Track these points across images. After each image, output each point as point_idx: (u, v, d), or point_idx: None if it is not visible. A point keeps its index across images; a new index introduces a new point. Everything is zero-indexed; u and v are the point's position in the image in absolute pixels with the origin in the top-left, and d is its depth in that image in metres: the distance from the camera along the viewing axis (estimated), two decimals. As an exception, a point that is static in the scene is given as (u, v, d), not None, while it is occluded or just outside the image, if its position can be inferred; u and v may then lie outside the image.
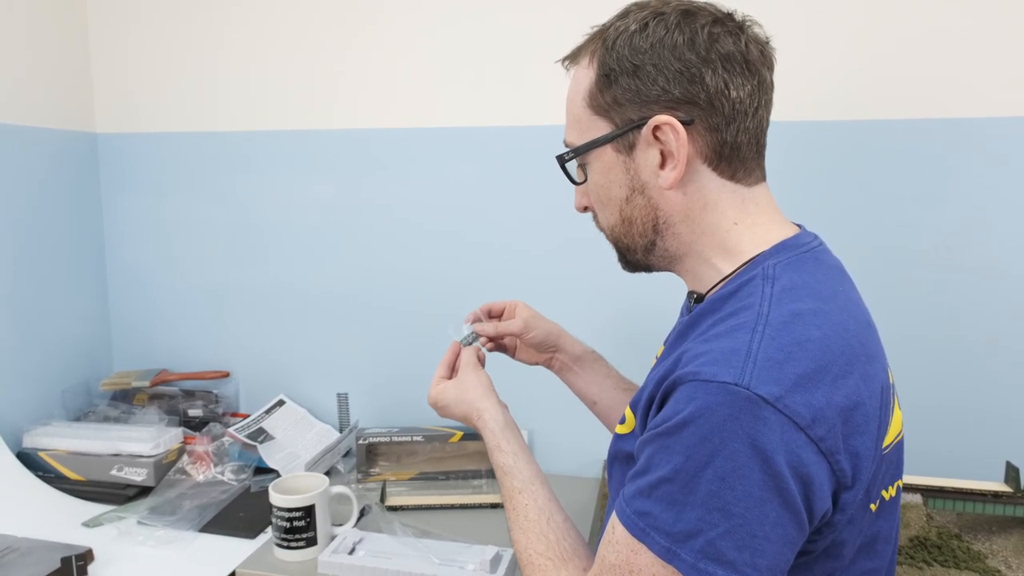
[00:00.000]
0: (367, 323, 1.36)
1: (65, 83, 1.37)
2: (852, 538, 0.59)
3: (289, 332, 1.39)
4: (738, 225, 0.65)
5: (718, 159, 0.64)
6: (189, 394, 1.38)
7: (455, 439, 1.25)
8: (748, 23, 0.65)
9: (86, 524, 1.09)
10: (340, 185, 1.34)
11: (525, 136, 1.24)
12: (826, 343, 0.56)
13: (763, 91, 0.64)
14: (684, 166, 0.63)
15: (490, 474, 1.20)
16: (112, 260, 1.46)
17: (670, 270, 0.71)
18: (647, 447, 0.57)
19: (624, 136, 0.65)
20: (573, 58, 0.69)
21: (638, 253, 0.70)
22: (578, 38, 0.70)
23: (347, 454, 1.32)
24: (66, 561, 0.94)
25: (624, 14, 0.66)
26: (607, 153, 0.66)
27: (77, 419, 1.33)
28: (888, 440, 0.60)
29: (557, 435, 1.29)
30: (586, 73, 0.67)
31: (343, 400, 1.36)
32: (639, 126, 0.64)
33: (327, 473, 1.23)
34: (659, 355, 0.77)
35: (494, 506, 1.14)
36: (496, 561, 0.96)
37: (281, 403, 1.38)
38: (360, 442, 1.25)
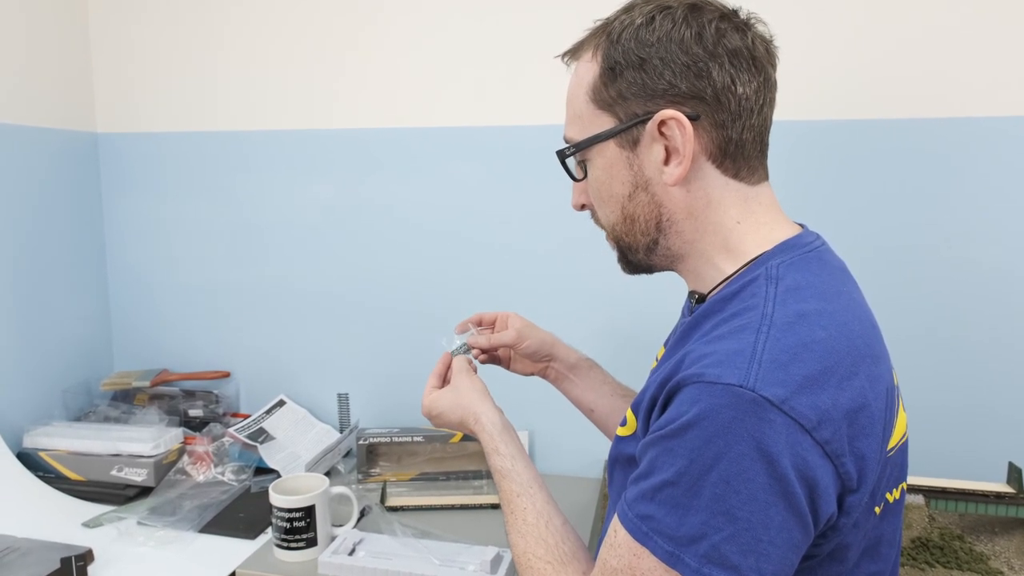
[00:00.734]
0: (368, 323, 1.36)
1: (66, 83, 1.36)
2: (856, 541, 0.59)
3: (290, 332, 1.39)
4: (741, 224, 0.65)
5: (722, 156, 0.63)
6: (189, 394, 1.38)
7: (456, 439, 1.25)
8: (753, 20, 0.64)
9: (86, 524, 1.08)
10: (341, 185, 1.34)
11: (525, 136, 1.23)
12: (831, 344, 0.55)
13: (768, 89, 0.64)
14: (690, 162, 0.62)
15: (490, 474, 1.20)
16: (113, 260, 1.46)
17: (671, 269, 0.70)
18: (650, 450, 0.56)
19: (628, 131, 0.64)
20: (574, 53, 0.68)
21: (640, 252, 0.69)
22: (579, 36, 0.69)
23: (347, 454, 1.31)
24: (66, 561, 0.94)
25: (629, 8, 0.65)
26: (610, 148, 0.65)
27: (77, 419, 1.33)
28: (893, 442, 0.60)
29: (557, 436, 1.29)
30: (589, 67, 0.65)
31: (344, 400, 1.36)
32: (644, 121, 0.62)
33: (327, 473, 1.23)
34: (659, 357, 0.76)
35: (494, 507, 1.14)
36: (497, 562, 0.95)
37: (282, 403, 1.38)
38: (360, 442, 1.25)
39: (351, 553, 0.98)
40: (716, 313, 0.62)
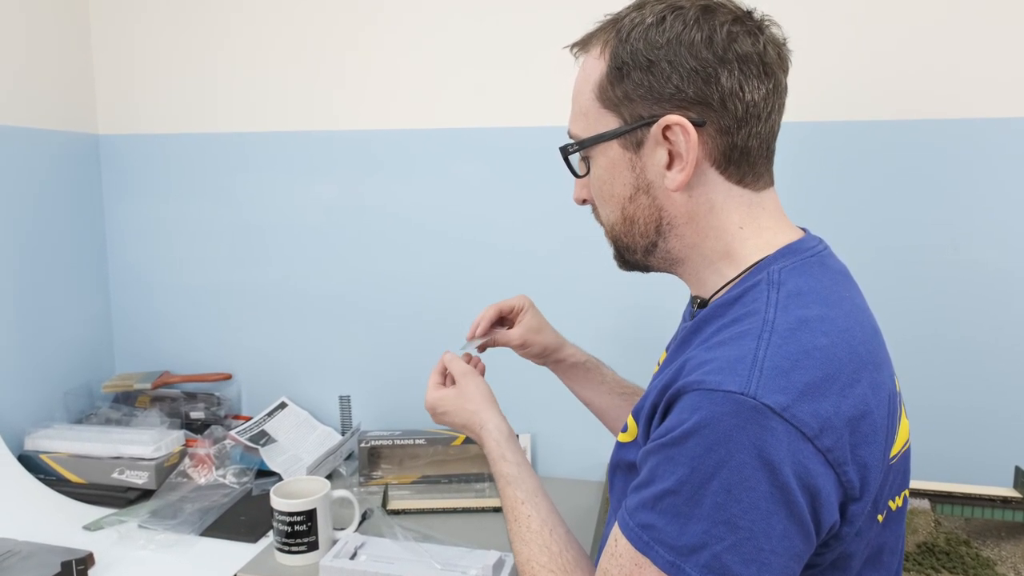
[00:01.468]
0: (369, 325, 1.35)
1: (67, 85, 1.36)
2: (859, 550, 0.58)
3: (291, 334, 1.39)
4: (743, 229, 0.64)
5: (727, 162, 0.62)
6: (191, 396, 1.38)
7: (457, 442, 1.25)
8: (767, 22, 0.63)
9: (87, 527, 1.08)
10: (342, 186, 1.33)
11: (528, 137, 1.23)
12: (833, 351, 0.55)
13: (777, 95, 0.63)
14: (692, 168, 0.61)
15: (492, 477, 1.19)
16: (114, 262, 1.45)
17: (670, 272, 0.70)
18: (650, 458, 0.56)
19: (632, 133, 0.62)
20: (583, 45, 0.67)
21: (638, 253, 0.68)
22: (586, 29, 0.68)
23: (349, 457, 1.31)
24: (66, 565, 0.94)
25: (640, 5, 0.63)
26: (613, 149, 0.64)
27: (79, 421, 1.33)
28: (895, 450, 0.59)
29: (560, 438, 1.28)
30: (597, 64, 0.64)
31: (345, 403, 1.35)
32: (649, 124, 0.61)
33: (329, 476, 1.23)
34: (661, 361, 0.76)
35: (496, 510, 1.14)
36: (499, 566, 0.95)
37: (283, 405, 1.37)
38: (362, 445, 1.24)
39: (352, 557, 0.97)
40: (717, 318, 0.61)
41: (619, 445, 0.68)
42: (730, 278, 0.64)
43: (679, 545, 0.52)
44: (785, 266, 0.61)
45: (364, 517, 1.10)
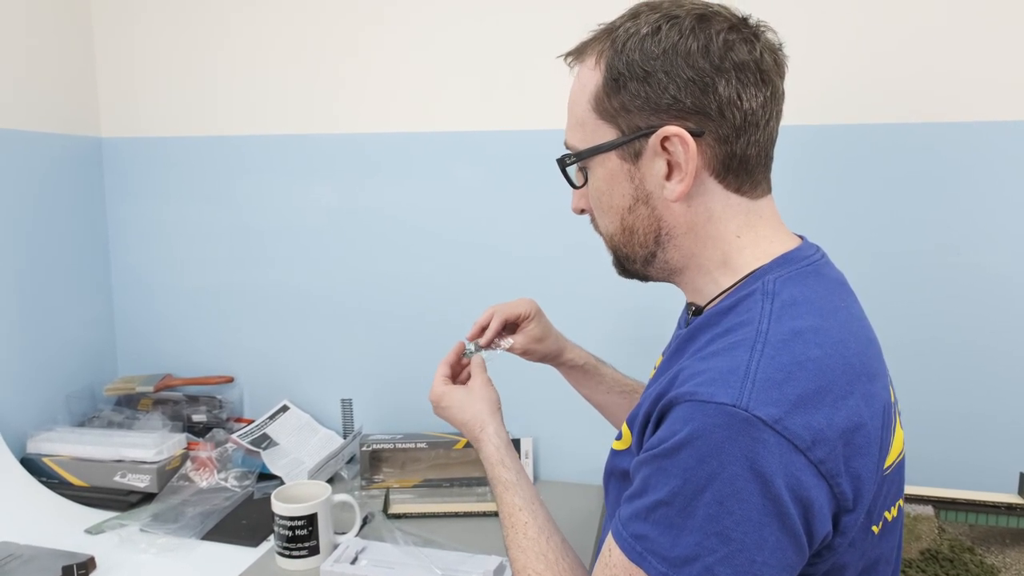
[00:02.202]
0: (371, 328, 1.35)
1: (70, 88, 1.37)
2: (853, 561, 0.58)
3: (293, 337, 1.39)
4: (740, 238, 0.64)
5: (725, 171, 0.62)
6: (193, 399, 1.38)
7: (459, 446, 1.24)
8: (762, 28, 0.62)
9: (88, 531, 1.08)
10: (344, 189, 1.33)
11: (528, 140, 1.22)
12: (826, 362, 0.54)
13: (775, 101, 0.62)
14: (692, 179, 0.61)
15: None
16: (117, 265, 1.46)
17: (668, 281, 0.69)
18: (643, 468, 0.56)
19: (630, 144, 0.62)
20: (578, 55, 0.66)
21: (637, 263, 0.68)
22: (580, 41, 0.67)
23: (351, 460, 1.31)
24: (67, 570, 0.94)
25: (635, 15, 0.62)
26: (611, 160, 0.64)
27: (81, 424, 1.33)
28: (890, 460, 0.59)
29: (561, 442, 1.28)
30: (592, 75, 0.63)
31: (347, 406, 1.35)
32: (647, 135, 0.61)
33: (331, 480, 1.23)
34: (657, 365, 0.76)
35: (497, 514, 1.13)
36: (499, 571, 0.95)
37: (285, 408, 1.37)
38: (364, 448, 1.24)
39: (353, 562, 0.97)
40: (711, 327, 0.61)
41: (613, 453, 0.68)
42: (725, 286, 0.64)
43: (672, 556, 0.52)
44: (780, 276, 0.61)
45: (365, 521, 1.10)
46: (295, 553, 0.98)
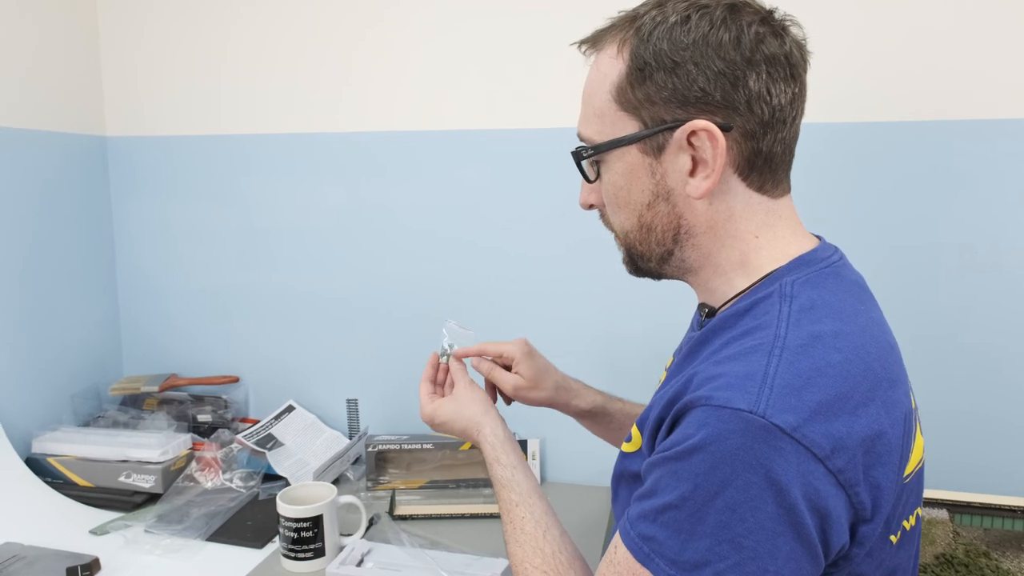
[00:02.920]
0: (377, 329, 1.34)
1: (76, 87, 1.36)
2: (870, 571, 0.57)
3: (299, 337, 1.38)
4: (759, 238, 0.62)
5: (749, 169, 0.60)
6: (198, 399, 1.37)
7: (465, 447, 1.23)
8: (788, 22, 0.60)
9: (93, 532, 1.08)
10: (350, 189, 1.32)
11: (535, 139, 1.21)
12: (846, 368, 0.53)
13: (802, 99, 0.61)
14: (719, 176, 0.58)
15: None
16: (122, 264, 1.45)
17: (682, 279, 0.68)
18: (655, 469, 0.55)
19: (653, 137, 0.59)
20: (595, 42, 0.64)
21: (652, 261, 0.66)
22: (597, 26, 0.65)
23: (356, 461, 1.30)
24: (72, 571, 0.93)
25: (660, 3, 0.60)
26: (632, 154, 0.61)
27: (86, 424, 1.33)
28: (909, 469, 0.57)
29: (568, 443, 1.27)
30: (614, 64, 0.60)
31: (353, 406, 1.34)
32: (672, 128, 0.58)
33: (336, 481, 1.22)
34: (668, 367, 0.74)
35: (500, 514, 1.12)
36: (507, 574, 0.93)
37: (290, 409, 1.36)
38: (370, 449, 1.23)
39: (359, 564, 0.96)
40: (726, 330, 0.59)
41: (623, 455, 0.66)
42: (740, 287, 0.62)
43: (681, 560, 0.51)
44: (798, 278, 0.59)
45: (371, 523, 1.09)
46: (300, 555, 0.98)
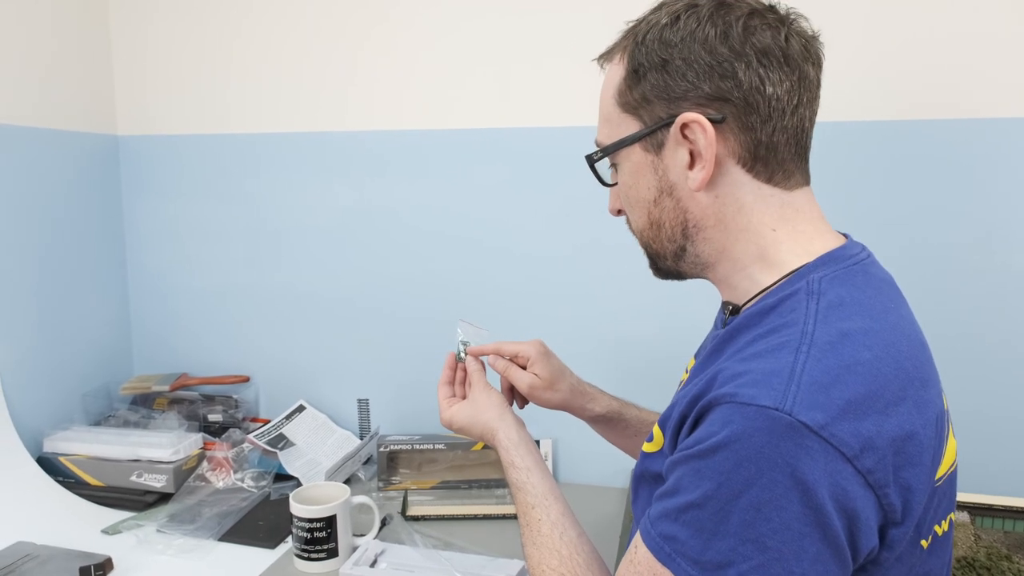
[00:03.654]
0: (388, 328, 1.33)
1: (88, 87, 1.36)
2: None
3: (310, 337, 1.38)
4: (777, 232, 0.61)
5: (753, 160, 0.60)
6: (209, 399, 1.37)
7: (478, 447, 1.23)
8: (793, 17, 0.61)
9: (105, 531, 1.07)
10: (361, 188, 1.32)
11: (546, 137, 1.21)
12: (877, 366, 0.52)
13: (805, 88, 0.60)
14: (713, 167, 0.59)
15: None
16: (133, 263, 1.45)
17: (702, 277, 0.68)
18: (677, 468, 0.54)
19: (653, 135, 0.62)
20: (608, 56, 0.66)
21: (668, 259, 0.66)
22: (599, 35, 0.67)
23: (367, 461, 1.29)
24: (84, 571, 0.93)
25: (658, 7, 0.63)
26: (636, 153, 0.63)
27: (97, 423, 1.32)
28: (941, 471, 0.56)
29: (582, 444, 1.25)
30: (617, 69, 0.64)
31: (364, 406, 1.34)
32: (668, 124, 0.60)
33: (347, 481, 1.21)
34: (690, 368, 0.74)
35: (516, 517, 1.11)
36: (522, 576, 0.93)
37: (301, 408, 1.36)
38: (381, 449, 1.23)
39: (373, 565, 0.96)
40: (751, 327, 0.59)
41: (644, 455, 0.66)
42: (764, 284, 0.62)
43: (703, 560, 0.50)
44: (826, 275, 0.58)
45: (383, 523, 1.09)
46: (314, 555, 0.97)
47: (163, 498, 1.16)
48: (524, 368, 0.88)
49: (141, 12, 1.38)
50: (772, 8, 0.61)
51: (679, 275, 0.68)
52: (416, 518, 1.12)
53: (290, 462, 1.22)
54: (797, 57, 0.59)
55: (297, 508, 0.97)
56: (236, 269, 1.40)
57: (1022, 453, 1.07)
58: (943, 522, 0.59)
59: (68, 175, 1.32)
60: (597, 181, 0.69)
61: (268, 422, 1.31)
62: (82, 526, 1.08)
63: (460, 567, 0.95)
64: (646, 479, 0.64)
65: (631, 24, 0.65)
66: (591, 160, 0.67)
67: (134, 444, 1.19)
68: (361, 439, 1.32)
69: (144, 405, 1.36)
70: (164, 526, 1.07)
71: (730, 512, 0.49)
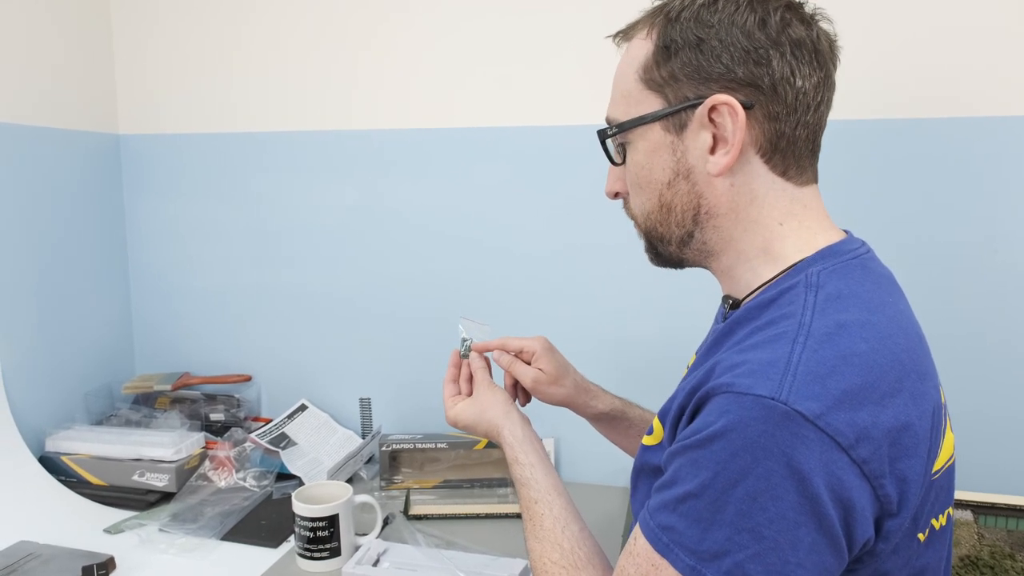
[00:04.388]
0: (390, 327, 1.33)
1: (90, 85, 1.36)
2: (897, 569, 0.55)
3: (311, 336, 1.38)
4: (783, 226, 0.61)
5: (772, 151, 0.60)
6: (211, 398, 1.37)
7: (480, 446, 1.23)
8: (818, 16, 0.61)
9: (107, 531, 1.07)
10: (363, 188, 1.32)
11: (548, 136, 1.20)
12: (873, 358, 0.52)
13: (828, 87, 0.61)
14: (738, 152, 0.59)
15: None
16: (134, 262, 1.45)
17: (704, 266, 0.67)
18: (675, 459, 0.54)
19: (676, 115, 0.60)
20: (626, 34, 0.66)
21: (672, 244, 0.65)
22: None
23: (369, 460, 1.29)
24: (87, 570, 0.93)
25: None
26: (655, 131, 0.62)
27: (99, 423, 1.32)
28: (938, 464, 0.56)
29: (583, 443, 1.25)
30: (643, 44, 0.62)
31: (366, 405, 1.34)
32: (694, 105, 0.59)
33: (349, 480, 1.21)
34: (690, 364, 0.74)
35: (519, 516, 1.11)
36: (525, 575, 0.93)
37: (303, 408, 1.36)
38: (384, 449, 1.22)
39: (375, 564, 0.96)
40: (750, 320, 0.59)
41: (644, 448, 0.66)
42: (766, 278, 0.62)
43: (700, 550, 0.51)
44: (825, 268, 0.59)
45: (386, 522, 1.09)
46: (316, 555, 0.97)
47: (165, 497, 1.16)
48: (528, 364, 0.88)
49: (143, 10, 1.38)
50: (802, 4, 0.61)
51: (679, 262, 0.68)
52: (418, 517, 1.12)
53: (292, 461, 1.22)
54: (825, 55, 0.60)
55: (300, 507, 0.97)
56: (238, 268, 1.40)
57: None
58: (941, 516, 0.59)
59: (69, 174, 1.32)
60: (608, 159, 0.68)
61: (270, 421, 1.31)
62: (84, 525, 1.08)
63: (462, 566, 0.95)
64: (645, 472, 0.64)
65: (655, 5, 0.64)
66: (603, 135, 0.66)
67: (136, 443, 1.20)
68: (363, 438, 1.32)
69: (146, 404, 1.37)
70: (166, 525, 1.08)
71: (726, 502, 0.50)
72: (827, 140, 0.64)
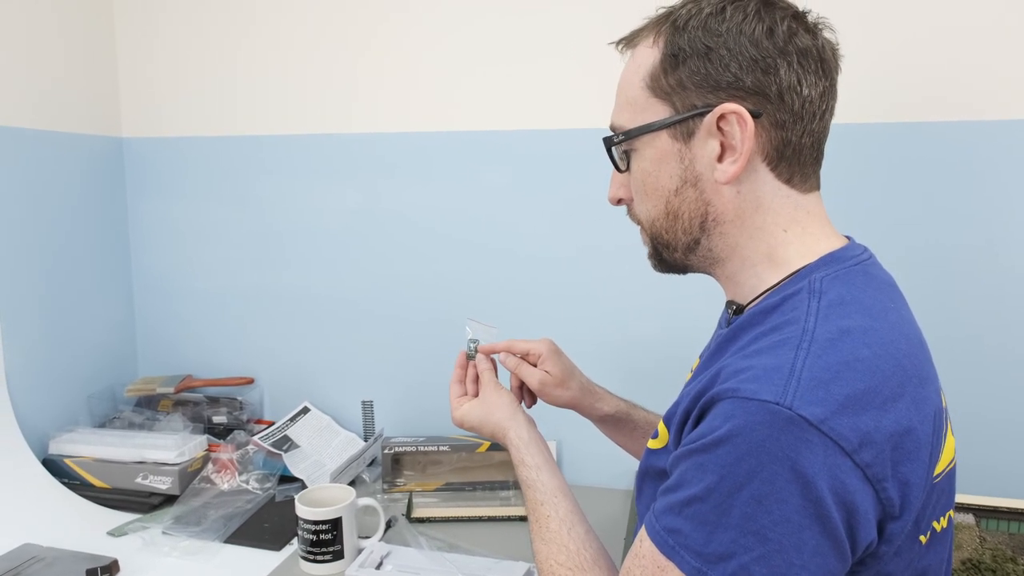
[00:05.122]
0: (392, 330, 1.34)
1: (93, 89, 1.36)
2: (899, 571, 0.56)
3: (314, 339, 1.38)
4: (787, 232, 0.62)
5: (778, 159, 0.61)
6: (214, 401, 1.37)
7: (482, 449, 1.23)
8: (822, 25, 0.62)
9: (111, 533, 1.08)
10: (365, 190, 1.32)
11: (551, 140, 1.21)
12: (876, 363, 0.53)
13: (832, 96, 0.62)
14: (745, 160, 0.59)
15: (518, 485, 1.18)
16: (137, 265, 1.45)
17: (708, 272, 0.68)
18: (681, 462, 0.55)
19: (684, 123, 0.61)
20: (630, 40, 0.66)
21: (678, 251, 0.66)
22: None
23: (372, 463, 1.30)
24: (91, 572, 0.93)
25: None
26: (662, 139, 0.62)
27: (102, 425, 1.33)
28: (940, 468, 0.57)
29: (587, 446, 1.25)
30: (649, 52, 0.63)
31: (368, 408, 1.34)
32: (702, 113, 0.60)
33: (352, 483, 1.22)
34: (694, 368, 0.74)
35: (522, 519, 1.12)
36: (527, 578, 0.93)
37: (306, 410, 1.36)
38: (386, 451, 1.23)
39: (378, 567, 0.96)
40: (754, 326, 0.59)
41: (649, 451, 0.66)
42: (769, 283, 0.62)
43: (706, 552, 0.51)
44: (827, 274, 0.59)
45: (388, 525, 1.09)
46: (319, 557, 0.97)
47: (168, 500, 1.16)
48: (535, 366, 0.89)
49: (146, 14, 1.38)
50: (807, 13, 0.62)
51: (684, 268, 0.68)
52: (421, 520, 1.12)
53: (295, 464, 1.22)
54: (829, 63, 0.61)
55: (303, 510, 0.97)
56: (240, 271, 1.40)
57: (1026, 455, 1.07)
58: (942, 519, 0.60)
59: (72, 177, 1.33)
60: (612, 166, 0.68)
61: (273, 424, 1.31)
62: (88, 528, 1.08)
63: (465, 569, 0.95)
64: (650, 475, 0.65)
65: (660, 12, 0.64)
66: (609, 143, 0.66)
67: (139, 446, 1.20)
68: (365, 441, 1.32)
69: (149, 407, 1.37)
70: (170, 528, 1.08)
71: (732, 505, 0.50)
72: (828, 144, 0.64)
